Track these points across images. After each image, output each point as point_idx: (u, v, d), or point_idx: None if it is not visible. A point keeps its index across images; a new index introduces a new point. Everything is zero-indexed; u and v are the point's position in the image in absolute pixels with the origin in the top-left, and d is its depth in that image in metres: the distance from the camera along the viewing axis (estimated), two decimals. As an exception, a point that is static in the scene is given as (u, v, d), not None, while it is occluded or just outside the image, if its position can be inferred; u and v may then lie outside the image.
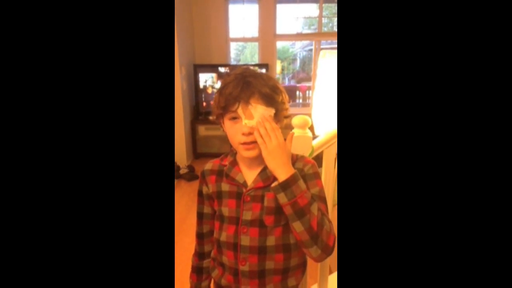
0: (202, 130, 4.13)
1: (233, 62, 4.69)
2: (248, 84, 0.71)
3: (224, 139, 4.09)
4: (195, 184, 3.45)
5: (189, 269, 0.92)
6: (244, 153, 0.74)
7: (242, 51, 6.62)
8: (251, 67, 0.83)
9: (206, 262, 0.89)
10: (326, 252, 0.71)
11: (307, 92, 5.33)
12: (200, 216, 0.86)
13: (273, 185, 0.71)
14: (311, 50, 8.10)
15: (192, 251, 0.90)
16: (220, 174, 0.81)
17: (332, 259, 1.52)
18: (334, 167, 1.28)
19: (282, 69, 6.46)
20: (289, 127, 1.26)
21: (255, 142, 0.72)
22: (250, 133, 0.71)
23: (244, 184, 0.78)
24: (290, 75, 6.95)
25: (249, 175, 0.79)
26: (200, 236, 0.88)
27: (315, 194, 0.76)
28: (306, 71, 8.14)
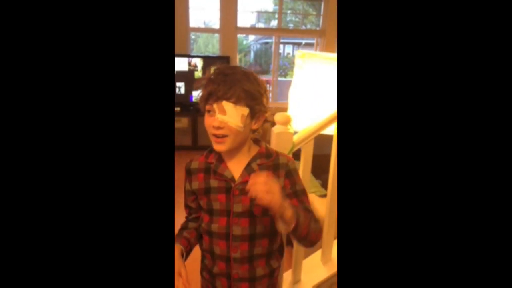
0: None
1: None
2: (227, 81, 0.75)
3: (184, 131, 4.04)
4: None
5: (188, 270, 0.96)
6: (215, 146, 0.80)
7: (196, 41, 6.50)
8: (236, 66, 0.88)
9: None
10: (312, 245, 0.84)
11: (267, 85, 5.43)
12: (188, 207, 0.95)
13: (283, 231, 0.77)
14: (266, 43, 8.23)
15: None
16: (208, 171, 0.86)
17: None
18: (310, 163, 1.38)
19: (240, 61, 6.48)
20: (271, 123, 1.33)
21: (225, 136, 0.77)
22: (219, 127, 0.77)
23: (232, 179, 0.84)
24: (245, 67, 7.01)
25: (236, 170, 0.85)
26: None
27: (300, 190, 0.86)
28: (259, 64, 8.23)
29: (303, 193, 0.86)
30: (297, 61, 1.84)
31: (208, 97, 0.77)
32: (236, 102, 0.75)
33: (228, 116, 0.75)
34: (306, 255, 1.56)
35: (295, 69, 1.85)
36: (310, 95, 1.71)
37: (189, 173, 0.89)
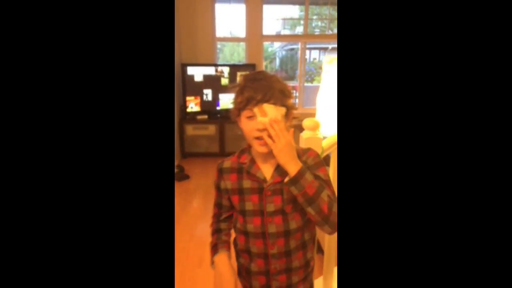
0: (190, 130, 4.12)
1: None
2: (262, 86, 0.80)
3: (211, 138, 4.11)
4: (186, 184, 3.44)
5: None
6: (258, 148, 0.83)
7: (222, 50, 6.62)
8: (262, 70, 0.92)
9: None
10: (336, 229, 0.83)
11: (292, 92, 5.43)
12: (220, 206, 0.97)
13: (285, 180, 0.81)
14: (291, 49, 8.24)
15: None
16: (241, 171, 0.90)
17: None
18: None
19: (265, 68, 6.53)
20: (299, 129, 1.33)
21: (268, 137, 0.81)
22: (264, 129, 0.80)
23: (264, 180, 0.87)
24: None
25: (267, 171, 0.88)
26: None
27: (325, 180, 0.87)
28: (285, 70, 8.24)
29: (326, 182, 0.87)
30: (324, 66, 1.83)
31: (247, 103, 0.80)
32: (275, 103, 0.79)
33: (270, 117, 0.79)
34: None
35: (323, 75, 1.84)
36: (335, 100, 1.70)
37: (221, 172, 0.92)
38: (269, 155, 0.85)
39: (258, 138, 0.82)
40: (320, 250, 1.44)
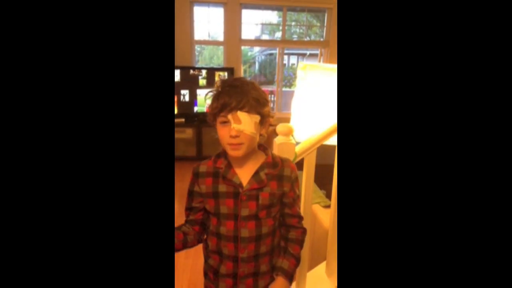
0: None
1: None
2: (238, 93, 0.81)
3: (188, 142, 4.06)
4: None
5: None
6: (231, 152, 0.85)
7: (201, 53, 6.58)
8: (240, 77, 0.95)
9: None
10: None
11: (270, 96, 5.46)
12: (190, 209, 0.97)
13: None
14: (270, 54, 8.30)
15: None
16: (216, 175, 0.90)
17: (306, 257, 1.63)
18: (313, 173, 1.38)
19: (244, 72, 6.54)
20: (273, 134, 1.34)
21: (241, 143, 0.82)
22: (236, 136, 0.81)
23: (240, 185, 0.88)
24: (249, 78, 7.08)
25: (243, 176, 0.89)
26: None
27: (297, 196, 0.96)
28: (264, 75, 8.29)
29: (298, 198, 0.97)
30: (299, 72, 1.85)
31: (221, 109, 0.81)
32: (249, 111, 0.80)
33: (243, 124, 0.80)
34: (310, 267, 1.54)
35: (297, 81, 1.86)
36: (312, 106, 1.72)
37: (197, 176, 0.92)
38: (244, 159, 0.87)
39: (231, 144, 0.83)
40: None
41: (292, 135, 1.32)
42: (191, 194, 0.94)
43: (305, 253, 1.40)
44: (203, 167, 0.92)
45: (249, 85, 0.84)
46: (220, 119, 0.83)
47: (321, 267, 1.53)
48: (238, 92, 0.81)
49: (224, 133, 0.83)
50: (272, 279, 0.97)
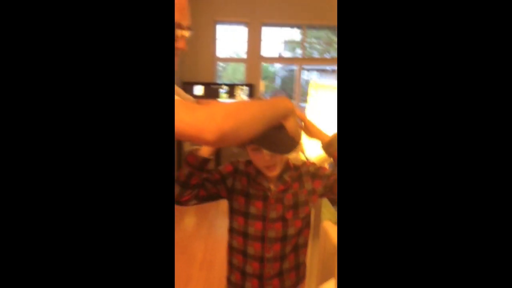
0: (187, 146, 4.21)
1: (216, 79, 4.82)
2: None
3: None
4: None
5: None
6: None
7: (225, 69, 6.78)
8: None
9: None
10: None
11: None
12: (187, 186, 0.91)
13: (321, 145, 0.92)
14: (292, 70, 8.39)
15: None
16: (248, 177, 0.97)
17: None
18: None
19: (266, 88, 6.67)
20: None
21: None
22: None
23: (269, 188, 0.94)
24: (271, 94, 7.20)
25: (271, 180, 0.95)
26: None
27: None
28: (285, 90, 8.36)
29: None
30: (310, 90, 1.92)
31: None
32: None
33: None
34: (319, 283, 1.56)
35: (308, 98, 1.93)
36: (321, 122, 1.77)
37: (236, 171, 0.99)
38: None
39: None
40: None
41: (303, 151, 1.37)
42: (211, 179, 0.96)
43: (313, 269, 1.43)
44: (242, 165, 0.99)
45: None
46: (251, 146, 0.89)
47: (330, 284, 1.55)
48: None
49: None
50: (297, 277, 1.02)
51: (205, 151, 0.91)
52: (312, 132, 0.93)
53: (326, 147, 0.90)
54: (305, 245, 1.03)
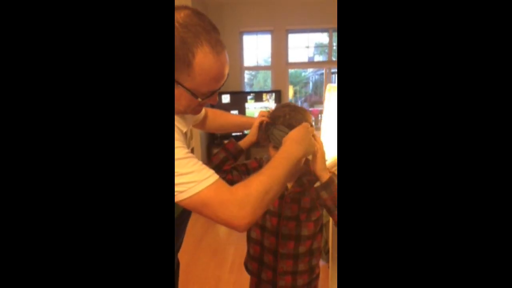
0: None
1: (247, 87, 4.92)
2: (291, 125, 0.91)
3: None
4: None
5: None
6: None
7: (256, 76, 6.89)
8: (289, 104, 1.05)
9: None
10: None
11: (319, 115, 5.50)
12: (219, 168, 1.01)
13: (316, 185, 0.92)
14: (322, 74, 8.32)
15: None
16: None
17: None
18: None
19: (295, 93, 6.67)
20: None
21: None
22: None
23: (286, 188, 1.01)
24: (303, 99, 7.17)
25: (289, 180, 1.01)
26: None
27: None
28: (318, 94, 8.31)
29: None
30: (326, 94, 1.93)
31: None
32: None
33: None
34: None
35: (325, 102, 1.94)
36: (335, 126, 1.78)
37: (260, 166, 1.05)
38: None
39: None
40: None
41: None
42: (238, 169, 1.03)
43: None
44: (264, 163, 1.03)
45: (299, 110, 0.97)
46: (271, 144, 0.96)
47: None
48: (291, 125, 0.90)
49: None
50: (311, 279, 1.06)
51: (243, 143, 1.01)
52: (317, 164, 0.89)
53: (322, 187, 0.89)
54: (318, 250, 1.07)
